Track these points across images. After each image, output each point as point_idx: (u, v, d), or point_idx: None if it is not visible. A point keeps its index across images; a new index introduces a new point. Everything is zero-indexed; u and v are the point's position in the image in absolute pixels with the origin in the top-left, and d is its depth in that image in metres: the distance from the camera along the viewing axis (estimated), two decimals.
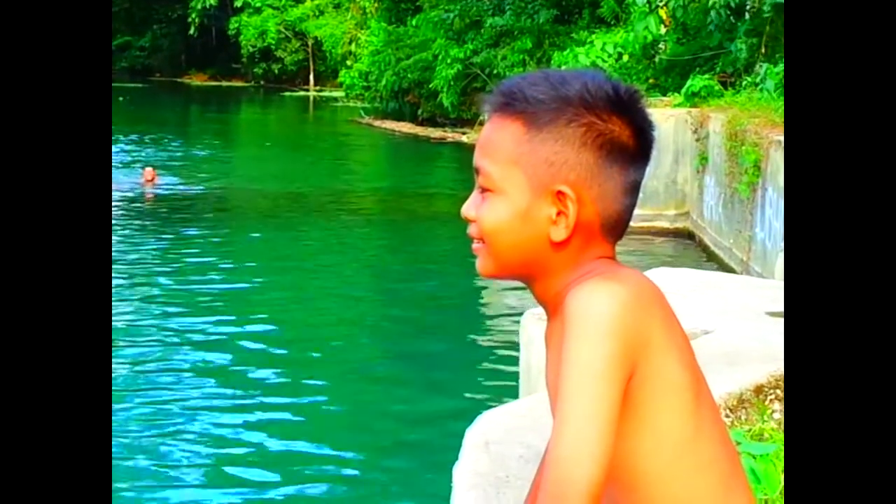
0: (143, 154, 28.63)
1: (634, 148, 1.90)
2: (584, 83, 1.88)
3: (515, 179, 1.87)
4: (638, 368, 1.77)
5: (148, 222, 18.70)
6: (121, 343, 10.54)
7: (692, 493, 1.86)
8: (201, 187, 22.85)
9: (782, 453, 3.26)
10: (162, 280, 13.98)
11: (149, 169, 23.05)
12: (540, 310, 2.01)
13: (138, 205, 20.60)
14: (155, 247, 16.34)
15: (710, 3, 18.08)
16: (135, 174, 23.21)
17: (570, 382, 1.72)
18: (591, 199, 1.86)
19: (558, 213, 1.86)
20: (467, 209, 1.92)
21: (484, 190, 1.90)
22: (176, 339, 11.11)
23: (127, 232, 17.06)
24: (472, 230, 1.93)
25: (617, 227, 1.91)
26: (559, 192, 1.85)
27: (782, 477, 3.12)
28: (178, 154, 29.89)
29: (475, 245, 1.94)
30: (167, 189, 22.22)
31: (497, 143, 1.89)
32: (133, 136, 32.36)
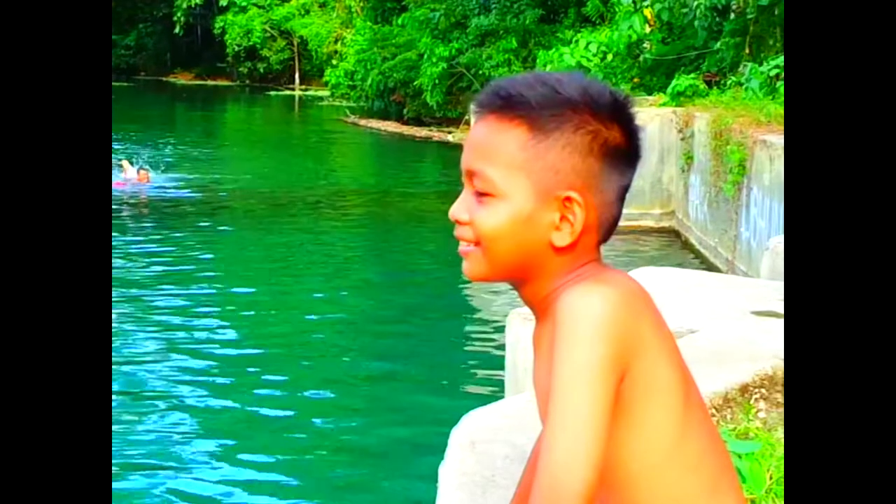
0: (130, 153, 28.53)
1: (630, 154, 1.92)
2: (585, 89, 1.88)
3: (519, 184, 1.86)
4: (629, 370, 1.78)
5: (137, 222, 18.67)
6: (116, 342, 10.53)
7: (681, 491, 1.86)
8: (188, 187, 22.80)
9: (767, 452, 3.27)
10: (150, 281, 13.95)
11: (143, 171, 23.05)
12: (526, 310, 2.01)
13: (130, 205, 20.56)
14: (143, 248, 16.31)
15: (695, 4, 18.11)
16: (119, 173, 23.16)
17: (563, 385, 1.73)
18: (593, 205, 1.88)
19: (561, 219, 1.86)
20: (459, 212, 1.91)
21: (482, 194, 1.88)
22: (165, 340, 11.10)
23: (115, 232, 17.01)
24: (462, 233, 1.91)
25: (610, 231, 1.93)
26: (567, 199, 1.85)
27: (768, 476, 3.13)
28: (165, 154, 29.78)
29: (464, 248, 1.92)
30: (156, 189, 22.18)
31: (498, 147, 1.87)
32: (120, 136, 32.26)
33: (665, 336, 1.86)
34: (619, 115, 1.89)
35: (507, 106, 1.88)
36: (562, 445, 1.70)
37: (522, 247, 1.88)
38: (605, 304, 1.75)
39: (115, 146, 29.62)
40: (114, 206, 19.19)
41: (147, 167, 23.76)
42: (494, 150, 1.87)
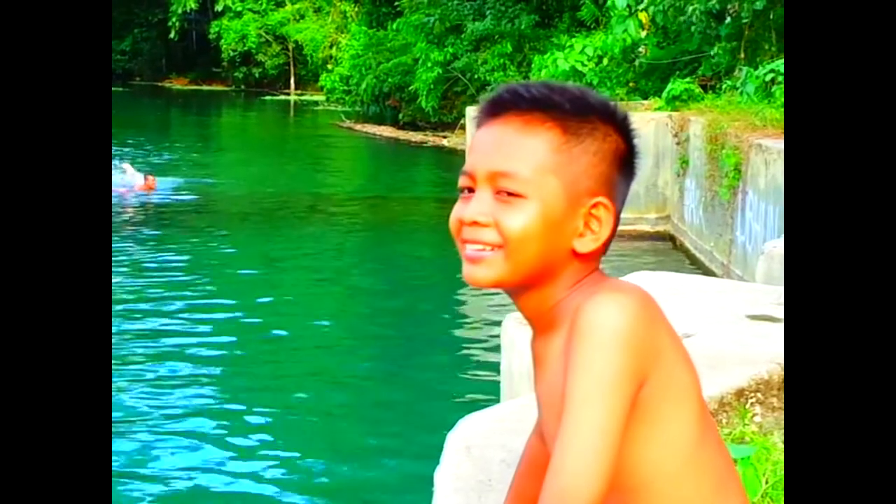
0: (126, 159, 28.52)
1: (633, 167, 1.95)
2: (605, 100, 1.91)
3: (551, 187, 1.84)
4: (650, 377, 1.79)
5: (132, 227, 18.66)
6: (116, 346, 10.53)
7: (695, 495, 1.88)
8: (184, 192, 22.82)
9: (763, 456, 3.27)
10: (149, 286, 13.95)
11: (150, 177, 23.11)
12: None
13: (133, 211, 20.55)
14: (142, 253, 16.32)
15: (690, 9, 18.11)
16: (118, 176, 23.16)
17: (581, 395, 1.73)
18: (614, 214, 1.90)
19: (585, 225, 1.87)
20: (477, 213, 1.86)
21: (510, 194, 1.85)
22: (164, 346, 11.10)
23: (115, 237, 17.02)
24: (481, 235, 1.87)
25: (612, 240, 1.95)
26: (595, 205, 1.87)
27: (764, 480, 3.13)
28: (161, 159, 29.79)
29: (478, 252, 1.88)
30: (157, 195, 22.20)
31: (529, 147, 1.85)
32: (116, 141, 32.19)
33: (677, 340, 1.87)
34: (628, 130, 1.92)
35: (536, 108, 1.86)
36: (575, 455, 1.71)
37: (548, 250, 1.86)
38: (625, 314, 1.75)
39: (114, 151, 29.61)
40: (115, 210, 19.24)
41: (154, 173, 23.79)
42: (525, 150, 1.85)
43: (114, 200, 19.98)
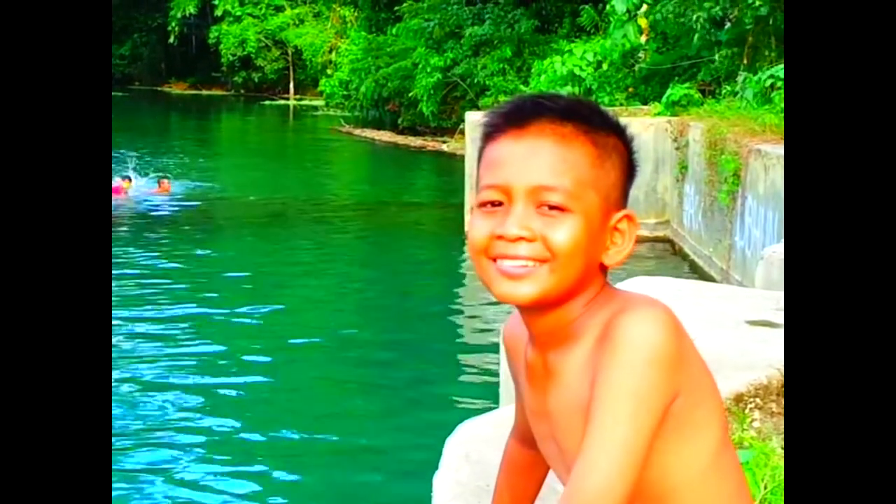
0: (126, 163, 28.52)
1: (633, 180, 1.98)
2: (614, 114, 1.93)
3: (592, 201, 1.84)
4: (683, 388, 1.81)
5: (131, 230, 18.65)
6: (115, 352, 10.53)
7: (718, 498, 1.90)
8: (184, 196, 22.82)
9: (762, 461, 3.26)
10: (149, 292, 13.94)
11: (164, 180, 23.15)
12: (519, 317, 1.99)
13: (129, 214, 20.57)
14: (138, 257, 16.31)
15: (694, 17, 18.10)
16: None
17: (613, 410, 1.73)
18: None
19: (611, 239, 1.89)
20: (524, 228, 1.83)
21: (553, 207, 1.82)
22: (163, 352, 11.09)
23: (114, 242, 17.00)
24: (525, 250, 1.83)
25: None
26: (621, 218, 1.89)
27: (762, 485, 3.13)
28: (161, 164, 29.76)
29: (520, 267, 1.84)
30: (148, 198, 22.18)
31: (570, 161, 1.84)
32: (116, 146, 32.20)
33: (695, 345, 1.89)
34: (630, 144, 1.94)
35: (568, 120, 1.86)
36: (600, 471, 1.71)
37: (587, 264, 1.86)
38: (661, 331, 1.78)
39: (114, 155, 29.58)
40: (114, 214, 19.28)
41: (169, 177, 23.80)
42: (567, 164, 1.84)
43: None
